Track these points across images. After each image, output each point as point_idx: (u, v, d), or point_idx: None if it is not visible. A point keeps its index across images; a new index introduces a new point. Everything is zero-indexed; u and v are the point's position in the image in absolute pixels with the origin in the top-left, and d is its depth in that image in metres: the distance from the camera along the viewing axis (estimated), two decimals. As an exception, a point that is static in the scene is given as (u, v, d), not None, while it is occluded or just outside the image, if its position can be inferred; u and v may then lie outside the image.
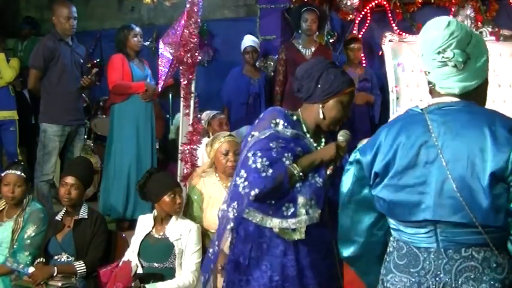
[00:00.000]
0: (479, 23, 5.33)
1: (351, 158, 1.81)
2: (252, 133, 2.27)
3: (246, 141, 2.29)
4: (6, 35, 6.39)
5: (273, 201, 2.18)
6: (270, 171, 2.13)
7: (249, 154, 2.18)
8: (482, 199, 1.51)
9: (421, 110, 1.67)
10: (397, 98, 5.79)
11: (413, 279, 1.64)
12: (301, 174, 2.17)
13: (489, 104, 1.77)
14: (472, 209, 1.52)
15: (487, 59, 1.68)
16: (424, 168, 1.59)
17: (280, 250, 2.23)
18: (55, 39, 4.70)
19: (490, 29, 5.18)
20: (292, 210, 2.18)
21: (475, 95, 1.66)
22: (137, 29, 4.94)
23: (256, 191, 2.12)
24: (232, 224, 2.19)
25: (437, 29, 1.63)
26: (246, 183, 2.14)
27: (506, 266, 1.58)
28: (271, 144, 2.18)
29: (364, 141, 5.41)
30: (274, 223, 2.19)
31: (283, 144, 2.19)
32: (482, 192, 1.51)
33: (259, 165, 2.14)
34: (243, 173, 2.17)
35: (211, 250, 2.29)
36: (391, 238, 1.75)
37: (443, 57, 1.62)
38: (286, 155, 2.18)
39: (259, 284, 2.24)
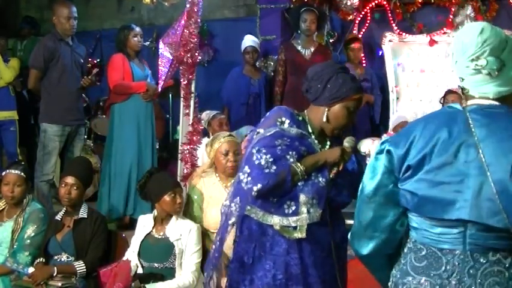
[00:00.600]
0: (479, 23, 5.32)
1: (378, 149, 1.72)
2: (258, 130, 2.29)
3: (251, 139, 2.30)
4: (7, 35, 6.39)
5: (275, 199, 2.20)
6: (274, 167, 2.15)
7: (254, 150, 2.20)
8: None
9: (462, 108, 1.64)
10: (397, 98, 5.79)
11: (434, 282, 1.59)
12: (304, 173, 2.18)
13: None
14: (510, 215, 1.49)
15: None
16: (462, 166, 1.55)
17: (284, 248, 2.23)
18: (55, 39, 4.71)
19: (490, 29, 5.18)
20: (293, 208, 2.19)
21: (510, 100, 1.63)
22: (137, 29, 4.94)
23: (259, 186, 2.13)
24: (234, 219, 2.21)
25: (471, 36, 1.60)
26: (249, 178, 2.16)
27: None
28: (276, 142, 2.20)
29: (365, 141, 5.42)
30: (275, 220, 2.20)
31: (288, 143, 2.21)
32: None
33: (263, 162, 2.16)
34: (246, 168, 2.19)
35: (214, 247, 2.31)
36: (408, 239, 1.71)
37: (476, 64, 1.59)
38: (290, 153, 2.20)
39: (263, 283, 2.24)
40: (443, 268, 1.58)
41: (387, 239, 1.74)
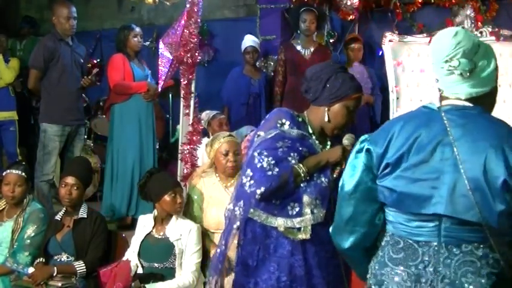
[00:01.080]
0: (479, 23, 5.33)
1: (358, 147, 1.82)
2: (258, 133, 2.29)
3: (252, 141, 2.30)
4: (7, 35, 6.40)
5: (278, 201, 2.20)
6: (276, 169, 2.16)
7: (255, 153, 2.20)
8: (493, 203, 1.57)
9: (438, 108, 1.73)
10: (397, 98, 5.78)
11: (411, 272, 1.69)
12: (306, 174, 2.18)
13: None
14: (482, 211, 1.58)
15: (496, 68, 1.75)
16: (438, 164, 1.64)
17: (288, 250, 2.24)
18: (55, 39, 4.70)
19: (490, 29, 5.18)
20: (297, 209, 2.20)
21: (481, 101, 1.72)
22: (137, 29, 4.94)
23: (262, 189, 2.14)
24: (239, 223, 2.21)
25: (445, 39, 1.70)
26: (252, 181, 2.17)
27: (501, 262, 1.65)
28: (277, 144, 2.20)
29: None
30: (279, 222, 2.21)
31: (289, 144, 2.21)
32: (494, 197, 1.57)
33: (265, 164, 2.16)
34: (249, 172, 2.19)
35: (218, 250, 2.30)
36: (385, 233, 1.80)
37: (450, 65, 1.69)
38: (292, 154, 2.20)
39: (267, 285, 2.25)
40: (420, 259, 1.68)
41: (367, 233, 1.83)
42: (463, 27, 5.35)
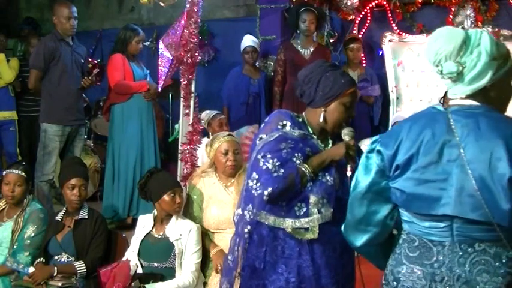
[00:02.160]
0: (479, 23, 5.33)
1: (369, 147, 1.82)
2: (260, 136, 2.28)
3: (254, 144, 2.29)
4: (8, 35, 6.40)
5: (285, 203, 2.20)
6: (282, 171, 2.16)
7: (259, 156, 2.20)
8: (501, 201, 1.58)
9: (444, 109, 1.74)
10: (397, 98, 5.79)
11: (427, 271, 1.70)
12: (312, 173, 2.19)
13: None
14: (491, 209, 1.59)
15: (494, 58, 1.69)
16: (446, 165, 1.65)
17: (295, 251, 2.23)
18: (56, 39, 4.70)
19: (490, 29, 5.18)
20: (304, 209, 2.20)
21: (485, 97, 1.71)
22: (141, 34, 4.96)
23: (269, 190, 2.14)
24: (249, 227, 2.21)
25: (428, 45, 1.74)
26: (258, 184, 2.16)
27: None
28: (280, 145, 2.20)
29: (365, 141, 5.42)
30: (287, 223, 2.20)
31: (292, 145, 2.21)
32: (501, 195, 1.58)
33: (270, 166, 2.16)
34: (254, 175, 2.19)
35: (230, 257, 2.29)
36: (402, 231, 1.80)
37: (438, 70, 1.72)
38: (296, 155, 2.20)
39: (276, 287, 2.24)
40: (435, 258, 1.70)
41: (379, 232, 1.84)
42: (463, 28, 5.37)
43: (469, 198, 1.61)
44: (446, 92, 1.80)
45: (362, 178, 1.81)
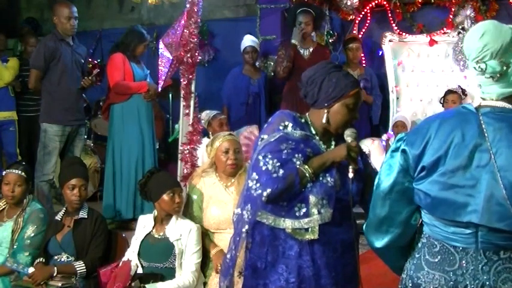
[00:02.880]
0: (479, 23, 5.32)
1: (394, 146, 1.76)
2: (262, 136, 2.28)
3: (255, 145, 2.29)
4: (8, 35, 6.40)
5: (285, 203, 2.20)
6: (281, 171, 2.16)
7: (260, 157, 2.20)
8: None
9: (475, 109, 1.66)
10: (397, 98, 5.80)
11: (449, 278, 1.64)
12: (312, 175, 2.18)
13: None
14: None
15: None
16: (475, 171, 1.58)
17: (296, 251, 2.23)
18: (56, 39, 4.70)
19: (490, 29, 5.18)
20: (304, 210, 2.19)
21: None
22: (148, 39, 5.01)
23: (269, 191, 2.14)
24: (247, 227, 2.21)
25: (472, 40, 1.65)
26: (258, 184, 2.16)
27: None
28: (281, 146, 2.19)
29: (365, 141, 5.40)
30: (287, 224, 2.20)
31: (293, 146, 2.21)
32: None
33: (270, 167, 2.16)
34: (254, 175, 2.19)
35: (228, 256, 2.29)
36: (422, 234, 1.75)
37: (479, 67, 1.63)
38: (296, 155, 2.20)
39: (276, 287, 2.24)
40: (458, 265, 1.63)
41: (402, 234, 1.78)
42: (463, 28, 5.36)
43: (497, 207, 1.55)
44: (446, 92, 1.77)
45: (385, 178, 1.75)
